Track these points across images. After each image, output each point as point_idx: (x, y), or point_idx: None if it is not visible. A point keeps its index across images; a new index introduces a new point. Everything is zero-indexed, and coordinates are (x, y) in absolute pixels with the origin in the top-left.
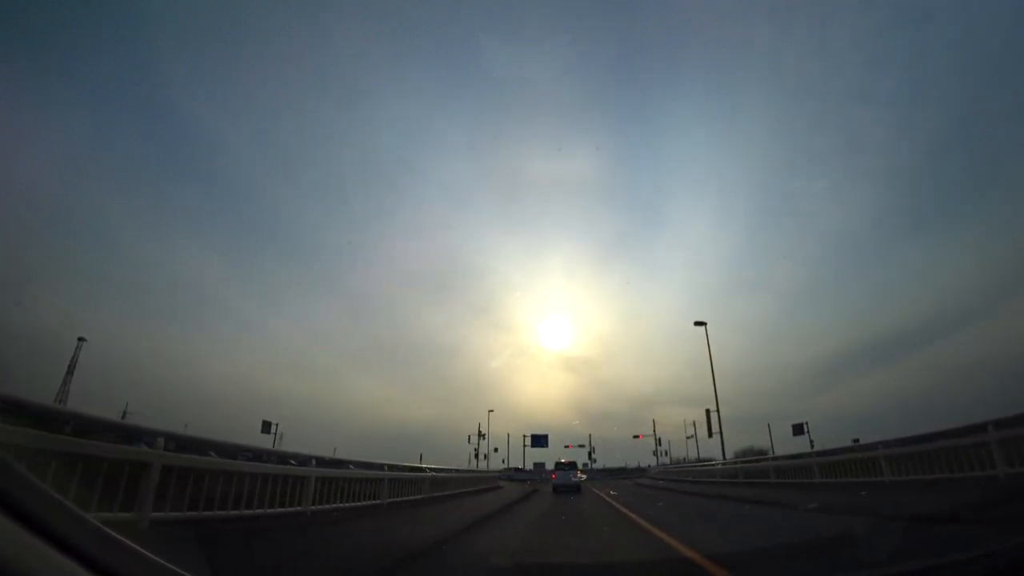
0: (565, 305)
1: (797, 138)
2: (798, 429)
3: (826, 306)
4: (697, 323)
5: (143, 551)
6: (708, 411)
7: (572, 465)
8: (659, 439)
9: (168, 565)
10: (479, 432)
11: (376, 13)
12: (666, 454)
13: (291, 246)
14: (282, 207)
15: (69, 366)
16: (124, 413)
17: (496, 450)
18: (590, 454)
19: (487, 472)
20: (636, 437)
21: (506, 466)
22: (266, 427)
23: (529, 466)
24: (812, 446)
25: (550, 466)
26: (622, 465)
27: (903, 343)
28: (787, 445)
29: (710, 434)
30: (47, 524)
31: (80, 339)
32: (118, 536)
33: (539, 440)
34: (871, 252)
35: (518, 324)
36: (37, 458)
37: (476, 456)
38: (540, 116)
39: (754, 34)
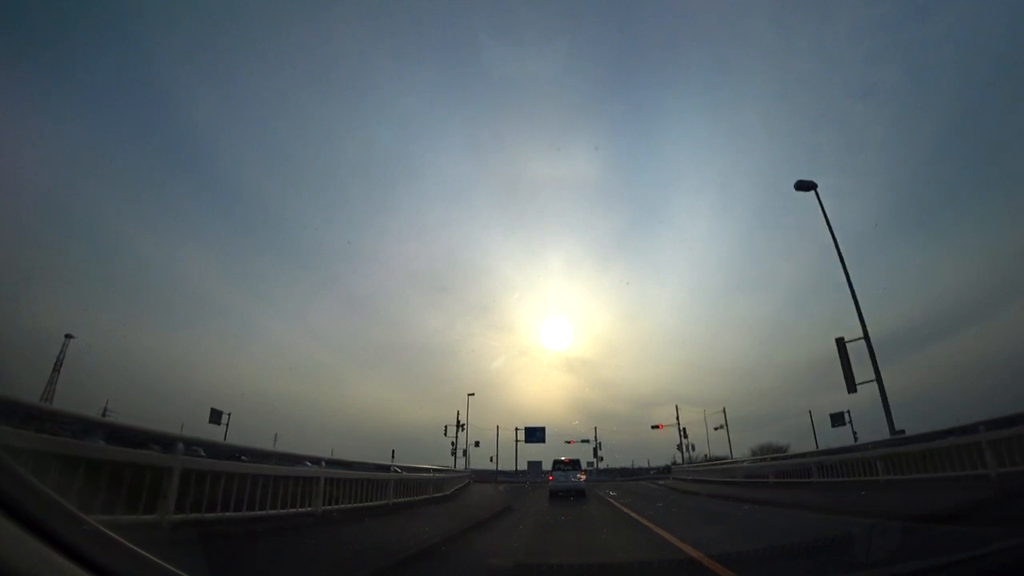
0: (565, 305)
1: (798, 135)
2: (837, 419)
3: (828, 304)
4: (801, 185)
5: (142, 551)
6: (840, 341)
7: (574, 464)
8: (684, 429)
9: (167, 565)
10: (457, 422)
11: (376, 14)
12: (693, 448)
13: (290, 245)
14: (280, 206)
15: (56, 363)
16: (104, 411)
17: (478, 444)
18: (595, 451)
19: (448, 472)
20: (656, 427)
21: (490, 465)
22: (215, 416)
23: (523, 466)
24: (856, 438)
25: (547, 466)
26: (626, 465)
27: (906, 341)
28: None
29: (851, 387)
30: (47, 525)
31: (67, 336)
32: (117, 537)
33: (534, 434)
34: (873, 249)
35: (518, 324)
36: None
37: (454, 452)
38: (540, 116)
39: (754, 32)
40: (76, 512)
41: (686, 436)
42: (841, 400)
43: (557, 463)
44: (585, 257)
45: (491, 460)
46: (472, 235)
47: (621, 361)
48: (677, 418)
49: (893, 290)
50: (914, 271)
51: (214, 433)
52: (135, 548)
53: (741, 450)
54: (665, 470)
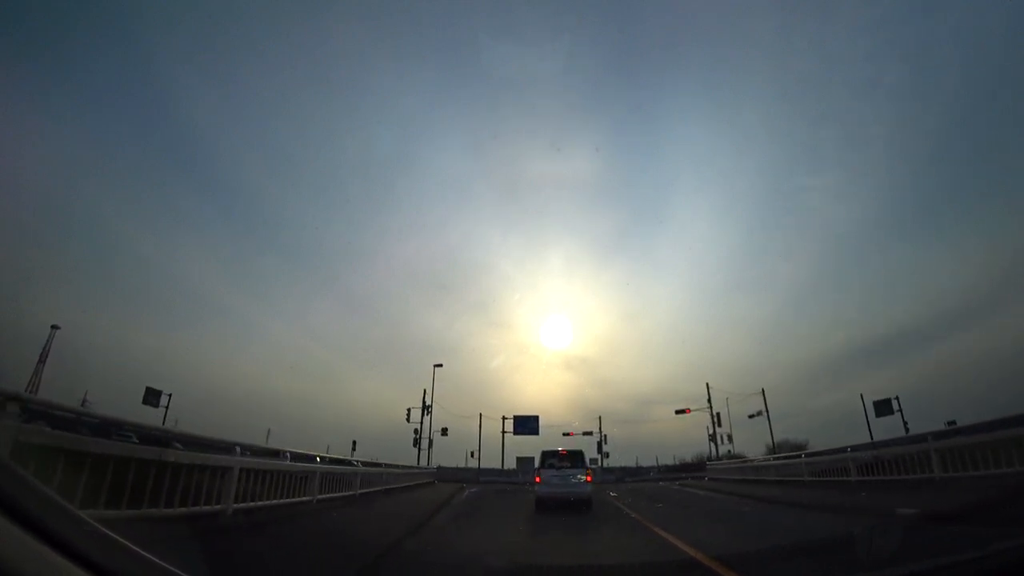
0: (565, 304)
1: (798, 135)
2: (883, 407)
3: (829, 303)
4: None
5: (142, 551)
6: None
7: (575, 459)
8: (717, 415)
9: (167, 565)
10: (423, 404)
11: (376, 14)
12: (729, 439)
13: (290, 245)
14: (280, 206)
15: (41, 355)
16: (83, 401)
17: (445, 432)
18: (600, 445)
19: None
20: (682, 412)
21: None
22: (152, 396)
23: (509, 464)
24: (907, 429)
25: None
26: (628, 464)
27: (910, 340)
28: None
29: None
30: (47, 525)
31: (53, 327)
32: (117, 536)
33: (525, 424)
34: (875, 248)
35: (517, 323)
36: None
37: (417, 442)
38: (540, 116)
39: (754, 32)
40: (76, 512)
41: (719, 424)
42: (842, 398)
43: (548, 456)
44: (585, 256)
45: (472, 455)
46: (472, 234)
47: (621, 360)
48: (709, 400)
49: (895, 289)
50: (915, 270)
51: (152, 416)
52: (135, 548)
53: (757, 447)
54: (694, 467)
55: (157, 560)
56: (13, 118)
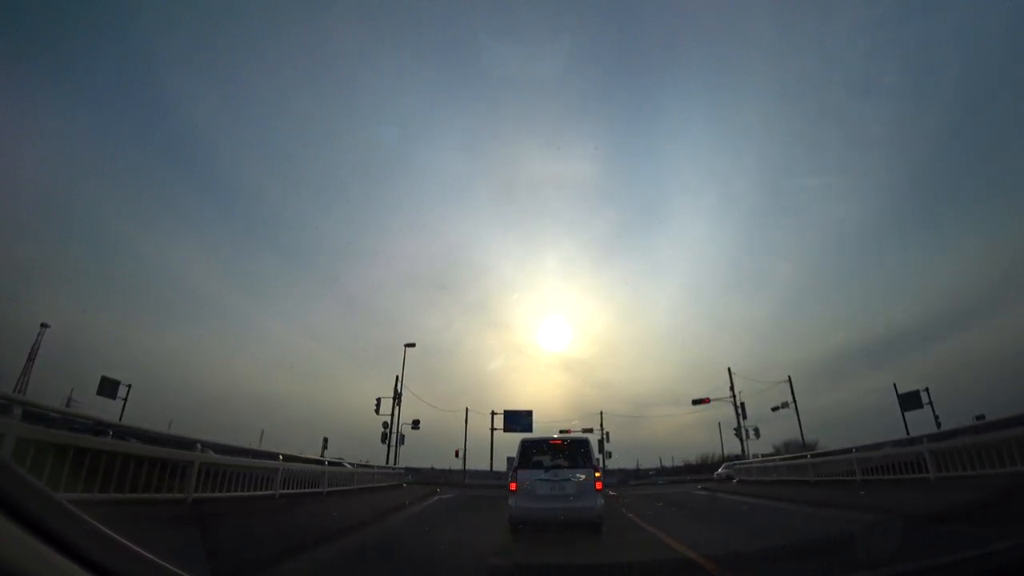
0: (563, 305)
1: (798, 135)
2: (910, 400)
3: (829, 303)
4: None
5: (142, 551)
6: None
7: (573, 453)
8: (742, 405)
9: (167, 565)
10: (395, 392)
11: (376, 14)
12: (757, 434)
13: (290, 245)
14: (280, 206)
15: (30, 353)
16: (68, 400)
17: (417, 424)
18: (602, 443)
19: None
20: (700, 401)
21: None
22: (108, 387)
23: (500, 465)
24: (939, 425)
25: None
26: (627, 466)
27: (910, 340)
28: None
29: None
30: (46, 524)
31: (43, 325)
32: (117, 536)
33: (517, 420)
34: (874, 248)
35: (516, 323)
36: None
37: (386, 438)
38: (539, 116)
39: (754, 32)
40: (76, 511)
41: (745, 416)
42: (842, 398)
43: (532, 448)
44: (584, 256)
45: (456, 455)
46: (472, 234)
47: (620, 361)
48: (732, 388)
49: (895, 289)
50: (915, 270)
51: (109, 408)
52: (135, 547)
53: (764, 447)
54: (696, 468)
55: (157, 559)
56: (13, 118)
